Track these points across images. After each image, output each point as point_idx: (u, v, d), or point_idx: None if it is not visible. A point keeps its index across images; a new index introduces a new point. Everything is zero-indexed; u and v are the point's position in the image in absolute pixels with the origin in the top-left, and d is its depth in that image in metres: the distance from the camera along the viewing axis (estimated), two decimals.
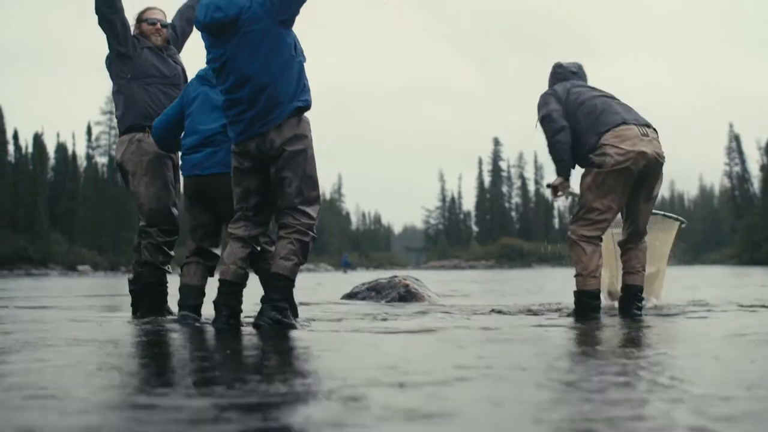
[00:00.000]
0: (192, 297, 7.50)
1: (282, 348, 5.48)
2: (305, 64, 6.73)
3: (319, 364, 4.46)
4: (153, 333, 6.60)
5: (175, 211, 8.10)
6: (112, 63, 8.23)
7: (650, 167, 7.71)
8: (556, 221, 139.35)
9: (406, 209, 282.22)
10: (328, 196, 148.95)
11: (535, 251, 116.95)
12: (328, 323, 7.29)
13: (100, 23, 8.07)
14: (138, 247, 8.28)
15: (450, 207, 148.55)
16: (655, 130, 7.87)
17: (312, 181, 6.64)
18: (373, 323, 7.27)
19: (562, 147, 7.84)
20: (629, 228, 8.05)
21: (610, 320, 7.40)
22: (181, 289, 7.61)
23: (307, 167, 6.60)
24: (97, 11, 8.01)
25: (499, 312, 8.56)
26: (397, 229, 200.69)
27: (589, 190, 7.74)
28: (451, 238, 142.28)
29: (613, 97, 8.08)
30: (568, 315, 7.89)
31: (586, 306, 7.74)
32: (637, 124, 7.75)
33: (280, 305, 6.55)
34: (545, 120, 7.94)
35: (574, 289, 7.85)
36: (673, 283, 18.60)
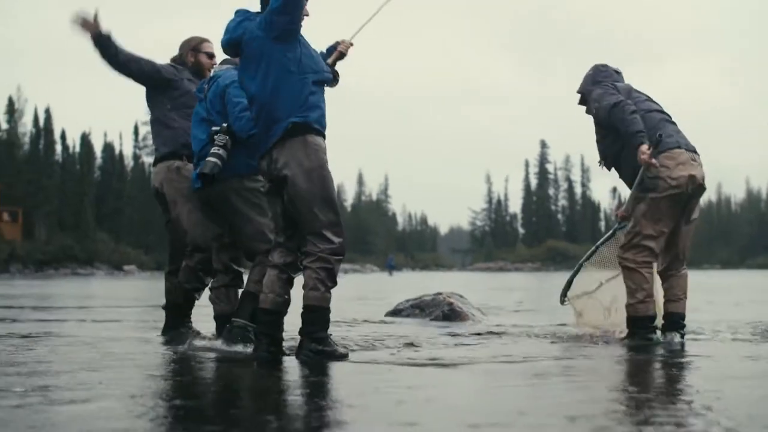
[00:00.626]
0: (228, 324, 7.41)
1: (326, 388, 5.31)
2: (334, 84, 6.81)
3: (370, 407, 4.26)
4: (194, 366, 6.49)
5: None
6: (150, 95, 8.15)
7: (696, 191, 7.67)
8: (602, 224, 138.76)
9: (453, 210, 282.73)
10: (374, 197, 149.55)
11: (581, 254, 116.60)
12: (371, 353, 7.06)
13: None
14: (169, 276, 8.22)
15: (496, 209, 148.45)
16: (699, 155, 7.77)
17: (326, 202, 6.43)
18: (417, 351, 7.07)
19: (639, 122, 7.53)
20: (670, 254, 7.92)
21: (663, 350, 7.26)
22: (216, 319, 7.59)
23: (317, 190, 6.40)
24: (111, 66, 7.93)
25: (537, 335, 8.46)
26: (443, 230, 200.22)
27: (644, 216, 7.63)
28: (498, 240, 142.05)
29: (668, 116, 7.92)
30: (623, 338, 7.76)
31: (648, 330, 7.68)
32: (686, 149, 7.65)
33: (318, 336, 6.39)
34: (619, 104, 7.65)
35: (633, 314, 7.68)
36: (718, 297, 18.30)
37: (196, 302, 8.15)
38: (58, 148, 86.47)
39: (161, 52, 8.53)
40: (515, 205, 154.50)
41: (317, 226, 6.38)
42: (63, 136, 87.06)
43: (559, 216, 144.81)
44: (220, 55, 7.69)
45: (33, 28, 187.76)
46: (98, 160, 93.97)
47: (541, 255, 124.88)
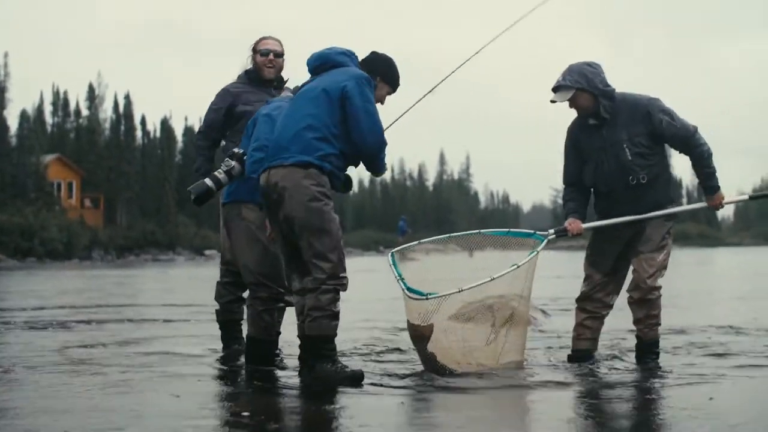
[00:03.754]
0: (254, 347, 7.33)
1: None
2: None
3: None
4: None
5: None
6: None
7: None
8: (684, 200, 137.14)
9: (535, 188, 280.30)
10: (456, 176, 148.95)
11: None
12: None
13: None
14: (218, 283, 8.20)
15: None
16: None
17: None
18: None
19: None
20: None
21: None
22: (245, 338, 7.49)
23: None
24: None
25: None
26: (525, 207, 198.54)
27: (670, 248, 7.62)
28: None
29: None
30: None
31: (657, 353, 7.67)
32: None
33: (317, 366, 6.46)
34: (697, 131, 7.41)
35: (654, 338, 7.58)
36: None
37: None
38: (139, 133, 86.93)
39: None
40: None
41: (311, 255, 6.44)
42: (143, 122, 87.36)
43: None
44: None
45: (111, 15, 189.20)
46: (179, 144, 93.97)
47: None
